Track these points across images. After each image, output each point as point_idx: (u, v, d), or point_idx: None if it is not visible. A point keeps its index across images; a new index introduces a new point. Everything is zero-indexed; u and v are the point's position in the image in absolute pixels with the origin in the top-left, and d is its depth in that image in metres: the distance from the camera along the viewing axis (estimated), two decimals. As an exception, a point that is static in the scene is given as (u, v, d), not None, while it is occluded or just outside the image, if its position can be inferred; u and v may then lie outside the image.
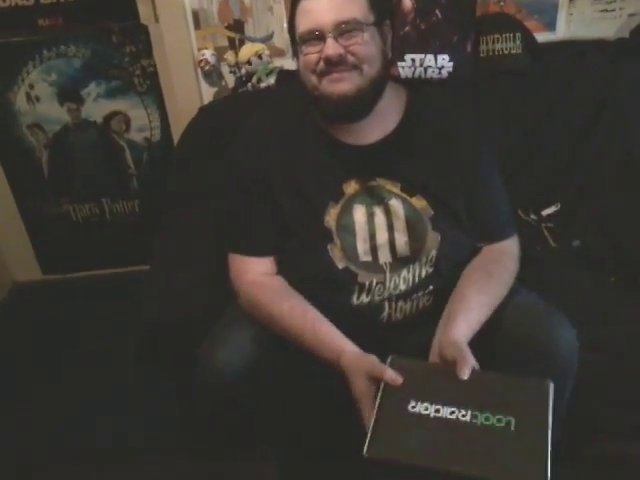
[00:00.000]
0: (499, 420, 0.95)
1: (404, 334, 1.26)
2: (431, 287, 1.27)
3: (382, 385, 1.02)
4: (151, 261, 1.64)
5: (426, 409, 0.97)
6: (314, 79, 1.17)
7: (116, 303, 2.25)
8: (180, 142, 1.94)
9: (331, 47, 1.12)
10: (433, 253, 1.25)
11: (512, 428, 0.94)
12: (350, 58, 1.13)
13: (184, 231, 1.69)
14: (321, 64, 1.14)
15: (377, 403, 0.99)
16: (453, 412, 0.96)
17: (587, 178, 1.90)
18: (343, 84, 1.15)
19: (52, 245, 2.64)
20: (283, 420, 1.23)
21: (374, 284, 1.24)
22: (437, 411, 0.97)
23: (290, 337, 1.19)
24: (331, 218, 1.24)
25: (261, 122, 1.33)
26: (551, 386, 0.99)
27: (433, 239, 1.25)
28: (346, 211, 1.24)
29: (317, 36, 1.13)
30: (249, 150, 1.30)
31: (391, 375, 1.03)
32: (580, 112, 1.88)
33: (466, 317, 1.15)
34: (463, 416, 0.96)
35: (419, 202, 1.25)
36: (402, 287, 1.25)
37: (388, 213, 1.24)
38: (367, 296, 1.25)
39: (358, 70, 1.15)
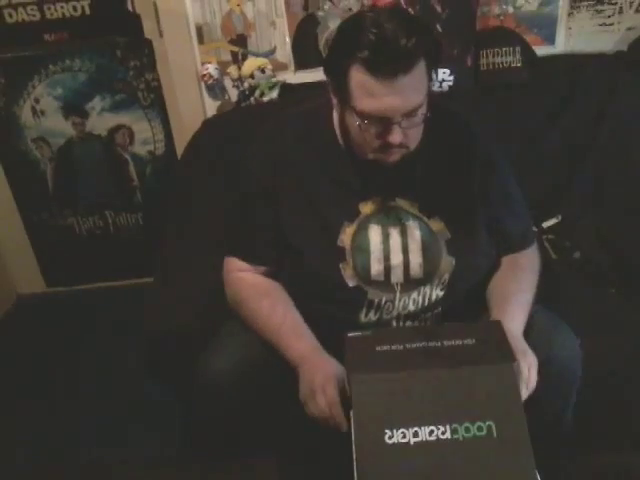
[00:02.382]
0: (480, 428, 0.93)
1: None
2: (440, 309, 1.26)
3: (352, 416, 0.96)
4: (154, 273, 1.65)
5: (404, 436, 0.92)
6: (364, 145, 1.15)
7: (119, 315, 2.26)
8: (183, 155, 1.95)
9: (397, 136, 1.10)
10: (446, 277, 1.24)
11: (494, 434, 0.92)
12: (404, 141, 1.12)
13: (186, 243, 1.70)
14: (379, 143, 1.12)
15: (353, 438, 0.94)
16: (432, 432, 0.92)
17: (587, 190, 1.91)
18: (393, 157, 1.16)
19: (56, 258, 2.65)
20: (282, 424, 1.23)
21: (383, 302, 1.23)
22: (415, 435, 0.92)
23: (265, 335, 1.19)
24: (346, 237, 1.22)
25: (279, 133, 1.30)
26: (514, 366, 0.98)
27: (447, 263, 1.24)
28: (361, 231, 1.23)
29: (381, 120, 1.09)
30: (263, 160, 1.28)
31: None
32: (580, 125, 1.90)
33: (521, 312, 1.19)
34: (443, 434, 0.92)
35: (436, 224, 1.24)
36: (411, 308, 1.24)
37: (404, 234, 1.23)
38: (375, 314, 1.24)
39: (408, 148, 1.16)
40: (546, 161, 1.91)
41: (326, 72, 1.16)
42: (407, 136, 1.12)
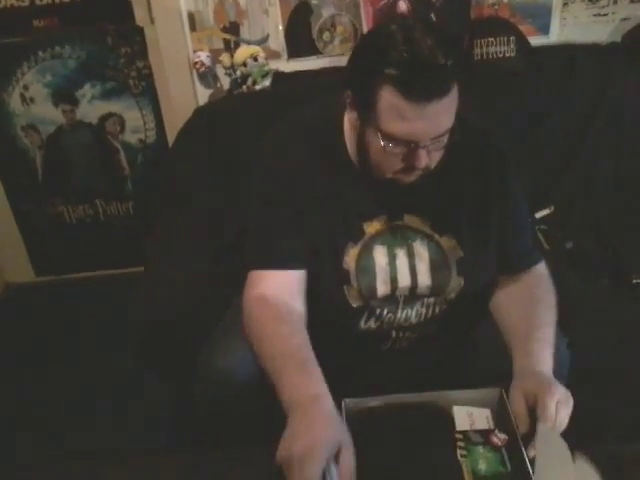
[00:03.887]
0: None
1: (406, 361, 1.25)
2: (442, 321, 1.24)
3: None
4: (145, 262, 1.64)
5: None
6: (384, 166, 1.08)
7: (110, 304, 2.24)
8: (175, 144, 1.94)
9: (423, 159, 1.03)
10: (452, 295, 1.20)
11: None
12: (428, 163, 1.06)
13: (178, 233, 1.69)
14: (402, 165, 1.06)
15: None
16: None
17: (580, 181, 1.91)
18: (412, 178, 1.09)
19: (46, 246, 2.63)
20: (275, 421, 1.22)
21: (385, 312, 1.20)
22: None
23: (272, 362, 1.02)
24: (350, 259, 1.16)
25: (290, 141, 1.19)
26: None
27: (456, 284, 1.19)
28: (366, 252, 1.16)
29: (408, 143, 1.02)
30: (281, 166, 1.17)
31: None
32: (573, 115, 1.90)
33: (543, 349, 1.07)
34: None
35: (448, 242, 1.18)
36: (413, 320, 1.22)
37: (411, 255, 1.17)
38: (375, 322, 1.21)
39: (428, 168, 1.08)
40: (539, 151, 1.91)
41: (349, 87, 1.06)
42: (431, 158, 1.05)
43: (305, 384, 0.96)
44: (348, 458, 0.87)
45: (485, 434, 1.01)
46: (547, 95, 1.92)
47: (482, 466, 0.96)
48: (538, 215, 1.87)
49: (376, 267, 1.17)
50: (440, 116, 0.99)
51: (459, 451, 0.98)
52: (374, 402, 1.06)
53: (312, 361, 1.01)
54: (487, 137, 1.23)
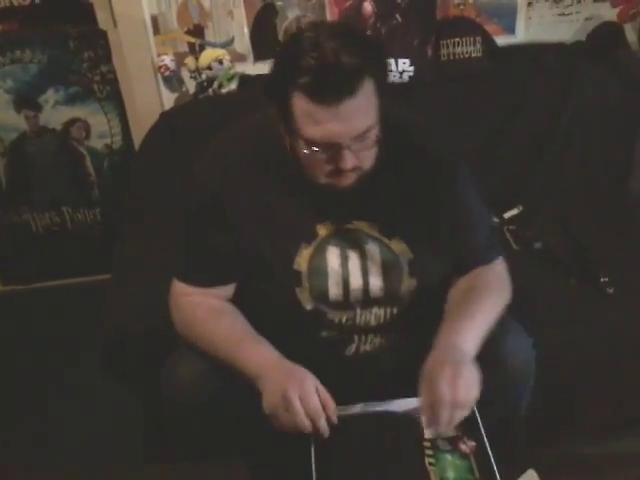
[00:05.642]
0: None
1: (371, 365, 1.24)
2: (403, 323, 1.23)
3: None
4: (112, 271, 1.61)
5: None
6: (315, 171, 1.08)
7: (79, 313, 2.21)
8: (140, 149, 1.91)
9: (348, 160, 1.03)
10: (407, 297, 1.20)
11: None
12: (357, 164, 1.05)
13: (145, 240, 1.66)
14: (331, 167, 1.05)
15: None
16: None
17: (548, 180, 1.92)
18: (347, 181, 1.08)
19: (12, 255, 2.58)
20: (251, 431, 1.21)
21: (344, 320, 1.20)
22: None
23: (225, 345, 1.12)
24: (303, 260, 1.16)
25: (228, 149, 1.20)
26: None
27: (408, 284, 1.19)
28: (319, 253, 1.17)
29: (330, 146, 1.02)
30: (211, 177, 1.18)
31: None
32: (540, 114, 1.92)
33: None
34: None
35: (398, 245, 1.18)
36: (373, 323, 1.21)
37: (363, 257, 1.18)
38: (336, 329, 1.21)
39: (361, 169, 1.08)
40: (507, 151, 1.92)
41: (267, 99, 1.07)
42: (360, 158, 1.05)
43: (267, 351, 1.10)
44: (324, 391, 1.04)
45: (454, 441, 1.00)
46: (513, 94, 1.93)
47: (450, 474, 0.96)
48: (507, 215, 1.87)
49: (328, 269, 1.17)
50: (354, 115, 0.99)
51: (427, 459, 0.98)
52: (342, 411, 1.05)
53: (258, 337, 1.13)
54: (427, 136, 1.23)
